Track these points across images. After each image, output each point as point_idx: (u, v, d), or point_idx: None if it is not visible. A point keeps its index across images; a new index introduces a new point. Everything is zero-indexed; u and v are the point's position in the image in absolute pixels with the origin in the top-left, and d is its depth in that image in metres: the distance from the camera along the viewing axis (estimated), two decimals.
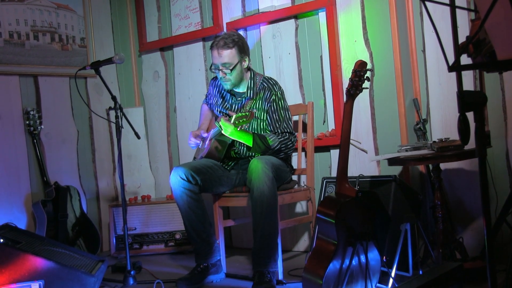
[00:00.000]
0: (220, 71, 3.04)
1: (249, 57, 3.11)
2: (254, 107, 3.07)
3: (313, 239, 3.18)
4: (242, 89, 3.14)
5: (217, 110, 3.28)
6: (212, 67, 3.08)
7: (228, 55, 3.00)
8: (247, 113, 2.74)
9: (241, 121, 2.75)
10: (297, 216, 3.59)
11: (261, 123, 3.07)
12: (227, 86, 3.10)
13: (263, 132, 3.07)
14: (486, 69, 2.25)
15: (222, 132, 2.88)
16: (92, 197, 4.31)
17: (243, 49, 3.05)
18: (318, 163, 3.60)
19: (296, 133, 3.18)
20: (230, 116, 2.89)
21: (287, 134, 3.02)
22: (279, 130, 3.02)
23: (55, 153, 4.06)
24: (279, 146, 2.97)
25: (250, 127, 3.06)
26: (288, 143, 3.01)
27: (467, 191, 3.07)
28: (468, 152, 2.58)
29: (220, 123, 2.86)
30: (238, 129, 2.82)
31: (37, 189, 3.90)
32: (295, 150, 3.41)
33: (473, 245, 3.03)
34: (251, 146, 2.94)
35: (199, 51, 4.20)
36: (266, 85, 3.08)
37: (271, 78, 3.15)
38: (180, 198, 3.00)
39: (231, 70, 3.02)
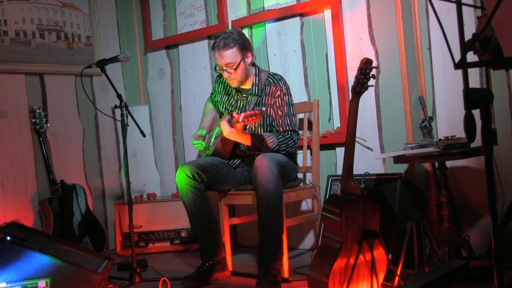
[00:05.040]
0: (224, 72, 3.04)
1: (252, 53, 3.09)
2: (261, 103, 3.06)
3: (319, 237, 3.18)
4: (247, 85, 3.14)
5: (223, 107, 3.28)
6: (217, 68, 3.08)
7: (230, 55, 2.99)
8: (256, 112, 2.74)
9: (250, 119, 2.75)
10: (302, 214, 3.59)
11: (268, 119, 3.06)
12: (234, 84, 3.10)
13: (270, 128, 3.06)
14: (493, 66, 2.24)
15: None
16: (98, 195, 4.32)
17: (244, 46, 3.02)
18: (324, 161, 3.60)
19: (300, 131, 3.17)
20: (232, 116, 2.88)
21: (289, 132, 3.01)
22: (281, 128, 3.01)
23: (61, 151, 4.08)
24: (277, 147, 2.96)
25: (258, 123, 3.06)
26: (290, 142, 3.00)
27: (473, 189, 3.06)
28: (474, 149, 2.57)
29: (220, 124, 2.87)
30: (247, 127, 2.81)
31: (43, 187, 3.92)
32: (300, 147, 3.41)
33: (479, 243, 3.02)
34: (250, 146, 2.96)
35: (204, 49, 4.21)
36: (271, 81, 3.08)
37: (276, 74, 3.14)
38: (185, 195, 3.01)
39: (235, 69, 3.02)
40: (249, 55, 3.06)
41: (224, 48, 2.98)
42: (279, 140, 2.97)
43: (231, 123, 2.85)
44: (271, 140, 2.95)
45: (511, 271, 2.59)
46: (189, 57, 4.32)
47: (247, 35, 3.91)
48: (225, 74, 3.05)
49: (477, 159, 3.00)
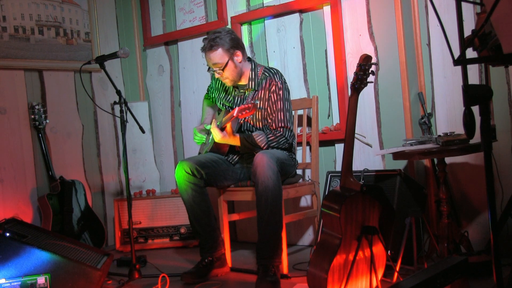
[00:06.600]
0: (215, 72, 3.05)
1: (242, 50, 3.07)
2: (257, 97, 3.06)
3: (318, 233, 3.19)
4: (243, 81, 3.14)
5: (221, 103, 3.28)
6: (210, 69, 3.09)
7: (216, 56, 2.99)
8: (250, 106, 2.74)
9: (243, 113, 2.75)
10: (301, 210, 3.59)
11: (263, 113, 3.06)
12: (228, 83, 3.12)
13: (267, 122, 3.06)
14: (492, 62, 2.24)
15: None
16: (97, 191, 4.32)
17: (231, 45, 3.00)
18: (323, 157, 3.60)
19: (299, 128, 3.17)
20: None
21: (281, 129, 2.99)
22: (273, 125, 3.01)
23: (60, 147, 4.08)
24: (266, 146, 2.98)
25: (254, 117, 3.07)
26: (281, 140, 2.99)
27: (472, 185, 3.07)
28: (473, 146, 2.57)
29: (211, 131, 2.93)
30: (241, 121, 2.86)
31: (43, 184, 3.92)
32: (299, 144, 3.41)
33: (478, 239, 3.03)
34: (241, 147, 3.01)
35: None
36: (267, 75, 3.07)
37: (272, 68, 3.13)
38: (185, 192, 3.01)
39: (223, 69, 3.01)
40: (238, 53, 3.04)
41: (210, 50, 2.99)
42: (268, 139, 2.97)
43: (221, 123, 2.88)
44: (259, 139, 2.98)
45: (509, 267, 2.59)
46: (189, 54, 4.31)
47: (246, 32, 3.91)
48: (216, 75, 3.06)
49: (476, 155, 3.00)
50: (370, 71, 2.47)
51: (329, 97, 3.56)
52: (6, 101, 3.78)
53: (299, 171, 3.42)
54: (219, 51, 2.99)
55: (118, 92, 3.09)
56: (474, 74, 3.00)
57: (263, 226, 2.79)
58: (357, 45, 3.40)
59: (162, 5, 4.45)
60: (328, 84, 3.57)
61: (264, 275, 2.74)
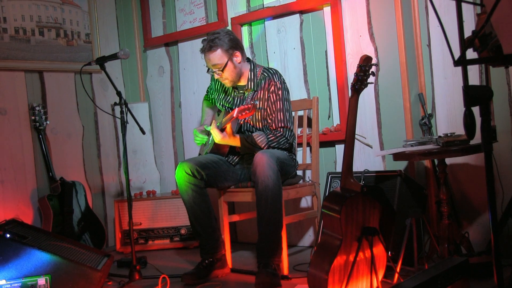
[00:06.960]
0: (215, 73, 3.05)
1: (241, 50, 3.07)
2: (257, 98, 3.06)
3: (318, 234, 3.19)
4: (243, 82, 3.14)
5: (220, 104, 3.28)
6: (209, 70, 3.09)
7: (215, 57, 2.99)
8: (249, 106, 2.74)
9: (243, 113, 2.76)
10: (302, 211, 3.59)
11: (264, 113, 3.06)
12: (227, 84, 3.12)
13: (267, 122, 3.06)
14: (492, 63, 2.24)
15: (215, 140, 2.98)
16: (98, 192, 4.32)
17: (230, 45, 3.01)
18: (323, 158, 3.60)
19: (300, 128, 3.18)
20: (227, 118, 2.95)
21: (281, 129, 3.00)
22: (273, 125, 3.01)
23: (60, 148, 4.08)
24: (267, 146, 2.98)
25: (254, 118, 3.07)
26: (281, 140, 3.00)
27: (472, 185, 3.07)
28: (474, 146, 2.57)
29: (211, 131, 2.94)
30: (241, 121, 2.88)
31: (43, 185, 3.92)
32: (299, 145, 3.41)
33: (479, 240, 3.02)
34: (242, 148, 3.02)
35: None
36: (266, 75, 3.07)
37: (271, 68, 3.14)
38: (185, 193, 3.01)
39: (223, 70, 3.02)
40: (237, 54, 3.04)
41: (209, 51, 3.00)
42: (269, 139, 2.98)
43: (220, 124, 2.88)
44: (260, 139, 2.98)
45: (510, 268, 2.59)
46: (189, 54, 4.31)
47: (246, 33, 3.91)
48: (215, 75, 3.07)
49: (476, 156, 3.00)
50: (370, 72, 2.47)
51: (330, 98, 3.56)
52: (7, 102, 3.78)
53: (299, 172, 3.42)
54: (218, 51, 2.99)
55: (119, 93, 3.09)
56: (474, 74, 3.00)
57: (263, 225, 2.79)
58: (357, 45, 3.40)
59: (163, 6, 4.45)
60: (328, 85, 3.57)
61: (263, 269, 2.76)
